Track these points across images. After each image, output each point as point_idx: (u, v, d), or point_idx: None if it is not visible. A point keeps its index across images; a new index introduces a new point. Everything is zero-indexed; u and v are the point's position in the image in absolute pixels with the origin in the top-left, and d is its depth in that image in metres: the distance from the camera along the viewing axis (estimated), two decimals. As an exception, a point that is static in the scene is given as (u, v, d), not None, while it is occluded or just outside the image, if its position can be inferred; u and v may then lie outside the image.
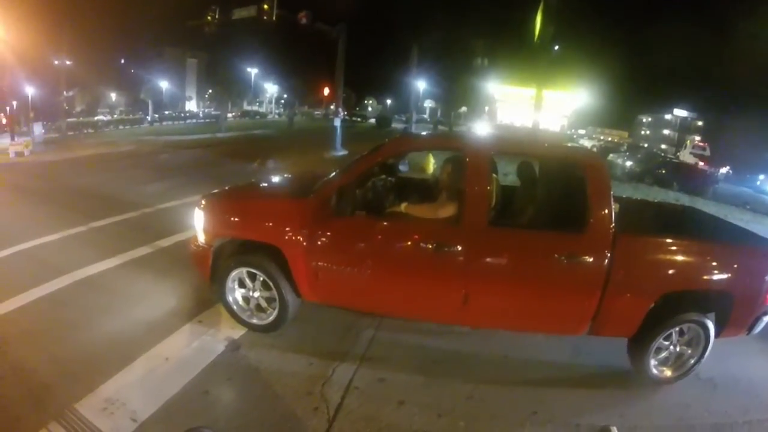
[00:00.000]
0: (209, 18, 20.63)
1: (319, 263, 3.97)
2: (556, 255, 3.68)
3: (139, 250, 6.46)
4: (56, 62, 38.37)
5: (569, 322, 3.90)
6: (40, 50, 37.00)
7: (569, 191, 3.95)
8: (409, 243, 3.89)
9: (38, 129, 22.70)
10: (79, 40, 42.71)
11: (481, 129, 27.41)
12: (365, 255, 3.98)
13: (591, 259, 3.62)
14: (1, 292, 4.98)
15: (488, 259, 3.81)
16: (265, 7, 19.04)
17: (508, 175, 6.75)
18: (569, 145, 5.04)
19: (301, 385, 3.63)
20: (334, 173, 4.27)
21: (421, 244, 3.83)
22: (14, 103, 38.59)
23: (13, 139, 20.00)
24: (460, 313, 3.96)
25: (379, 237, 3.98)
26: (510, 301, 3.88)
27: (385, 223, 4.05)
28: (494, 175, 4.09)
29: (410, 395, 3.62)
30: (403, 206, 4.15)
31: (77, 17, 40.24)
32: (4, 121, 36.53)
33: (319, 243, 3.93)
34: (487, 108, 37.18)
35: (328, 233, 3.94)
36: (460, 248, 3.72)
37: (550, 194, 4.30)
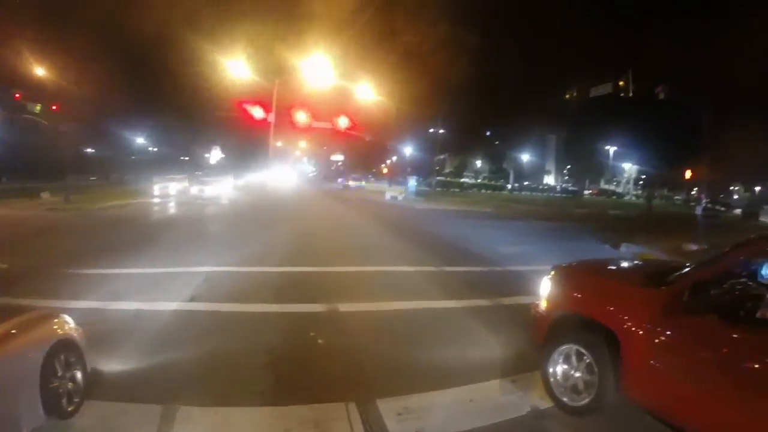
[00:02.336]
0: (568, 96, 21.46)
1: (653, 361, 3.49)
2: None
3: (480, 301, 7.05)
4: (432, 130, 45.96)
5: None
6: (421, 120, 44.89)
7: None
8: (756, 364, 3.12)
9: (412, 182, 27.32)
10: (452, 113, 50.29)
11: None
12: (703, 365, 3.37)
13: None
14: (363, 295, 6.88)
15: None
16: (621, 83, 18.81)
17: None
18: None
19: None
20: (689, 267, 3.84)
21: None
22: (394, 157, 47.77)
23: (390, 185, 24.78)
24: None
25: (724, 348, 3.34)
26: None
27: (736, 335, 3.37)
28: None
29: None
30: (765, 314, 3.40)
31: (450, 95, 47.31)
32: (385, 170, 45.47)
33: (659, 339, 3.48)
34: None
35: (672, 332, 3.45)
36: None
37: None
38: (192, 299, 6.48)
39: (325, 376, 4.37)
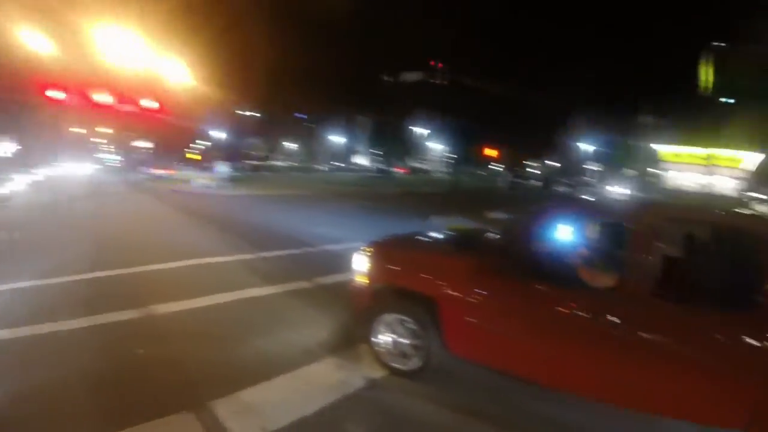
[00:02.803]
0: (381, 80, 22.38)
1: (471, 319, 3.97)
2: (719, 335, 3.30)
3: (299, 283, 7.05)
4: (244, 113, 44.11)
5: (724, 413, 3.42)
6: (231, 101, 42.93)
7: (742, 265, 3.56)
8: (563, 308, 3.75)
9: (224, 167, 26.00)
10: (265, 96, 48.95)
11: (621, 193, 25.52)
12: (516, 316, 3.88)
13: (760, 344, 3.19)
14: (179, 293, 6.25)
15: (645, 335, 3.49)
16: (433, 70, 20.25)
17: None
18: (748, 211, 4.49)
19: (427, 435, 3.57)
20: (495, 232, 4.33)
21: (575, 311, 3.68)
22: (208, 144, 45.24)
23: (200, 172, 23.32)
24: (609, 390, 3.64)
25: (534, 299, 3.89)
26: (662, 382, 3.52)
27: (539, 286, 3.96)
28: (659, 244, 3.80)
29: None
30: (573, 263, 4.04)
31: (264, 75, 46.09)
32: (195, 156, 42.93)
33: (473, 299, 3.95)
34: (652, 170, 34.51)
35: (484, 291, 3.94)
36: (615, 319, 3.49)
37: (721, 267, 3.89)
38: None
39: (152, 388, 4.01)
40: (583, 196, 15.23)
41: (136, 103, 27.57)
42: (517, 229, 4.20)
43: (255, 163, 54.04)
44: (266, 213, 14.87)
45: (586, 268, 3.87)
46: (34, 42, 24.59)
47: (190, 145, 53.46)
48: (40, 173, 40.78)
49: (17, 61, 25.78)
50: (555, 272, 4.02)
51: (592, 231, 4.33)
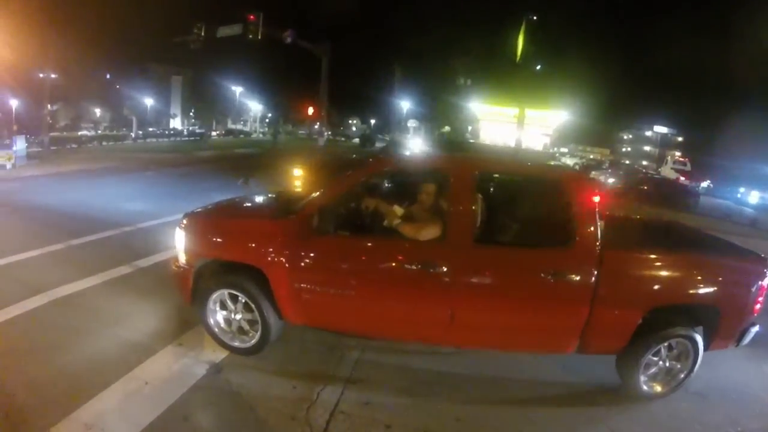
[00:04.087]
0: (195, 35, 20.71)
1: (302, 284, 3.88)
2: (542, 272, 3.65)
3: (118, 270, 6.33)
4: (41, 75, 37.67)
5: (557, 341, 3.87)
6: (25, 63, 36.61)
7: (555, 209, 3.95)
8: (393, 263, 3.84)
9: (21, 142, 21.98)
10: (65, 54, 42.34)
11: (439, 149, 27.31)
12: (348, 275, 3.91)
13: (577, 276, 3.61)
14: None
15: (474, 278, 3.77)
16: (250, 25, 19.17)
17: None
18: (552, 163, 5.03)
19: (285, 410, 3.53)
20: (316, 193, 4.22)
21: (406, 264, 3.77)
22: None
23: None
24: (447, 334, 3.91)
25: (362, 257, 3.93)
26: (497, 320, 3.83)
27: (368, 243, 3.99)
28: (478, 193, 4.04)
29: (397, 418, 3.53)
30: (392, 223, 4.09)
31: (63, 31, 39.90)
32: None
33: (301, 263, 3.85)
34: (470, 127, 37.43)
35: (311, 253, 3.86)
36: (445, 268, 3.67)
37: (535, 212, 4.29)
38: None
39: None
40: (401, 152, 15.95)
41: None
42: (342, 186, 4.15)
43: (57, 134, 46.99)
44: (75, 192, 12.97)
45: (409, 223, 3.99)
46: None
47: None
48: None
49: None
50: (380, 228, 4.10)
51: (412, 185, 4.48)
